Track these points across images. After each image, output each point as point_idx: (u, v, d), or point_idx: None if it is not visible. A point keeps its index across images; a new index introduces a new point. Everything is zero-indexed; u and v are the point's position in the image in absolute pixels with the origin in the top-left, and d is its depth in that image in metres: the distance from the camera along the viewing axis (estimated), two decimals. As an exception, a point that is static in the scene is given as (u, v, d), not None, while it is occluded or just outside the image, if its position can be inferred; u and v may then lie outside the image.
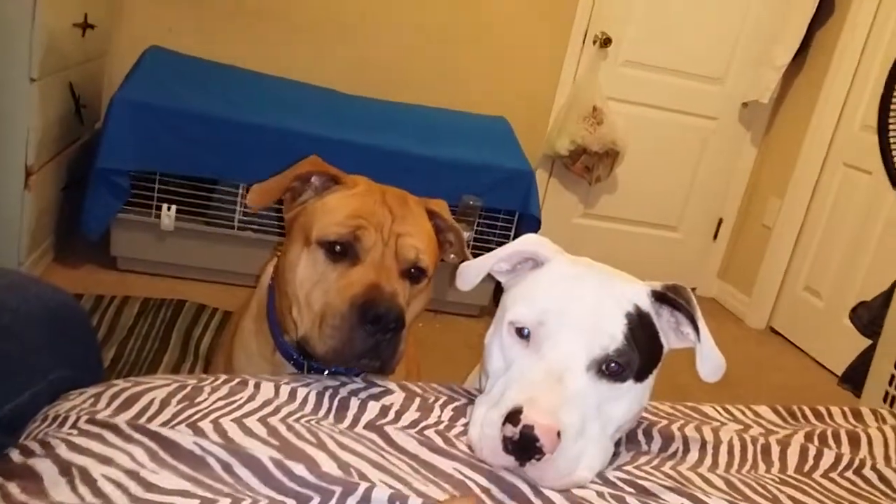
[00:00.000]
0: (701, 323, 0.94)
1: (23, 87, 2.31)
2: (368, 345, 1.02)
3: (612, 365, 0.89)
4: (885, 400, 2.25)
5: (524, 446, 0.82)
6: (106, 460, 0.78)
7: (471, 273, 1.05)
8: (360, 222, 1.10)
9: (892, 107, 1.67)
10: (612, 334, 0.89)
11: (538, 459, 0.81)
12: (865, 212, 3.33)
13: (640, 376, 0.91)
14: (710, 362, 0.95)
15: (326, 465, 0.80)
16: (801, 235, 3.71)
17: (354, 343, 1.02)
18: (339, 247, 1.09)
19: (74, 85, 2.74)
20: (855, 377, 2.45)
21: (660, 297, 0.96)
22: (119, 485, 0.76)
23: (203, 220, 2.88)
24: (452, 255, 1.29)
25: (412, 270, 1.13)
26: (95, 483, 0.75)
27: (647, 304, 0.95)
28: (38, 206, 2.51)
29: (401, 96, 3.44)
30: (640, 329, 0.92)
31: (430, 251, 1.16)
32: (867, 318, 2.42)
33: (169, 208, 2.77)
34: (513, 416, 0.83)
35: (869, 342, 2.45)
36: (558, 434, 0.82)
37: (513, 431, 0.82)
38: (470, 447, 0.89)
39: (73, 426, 0.84)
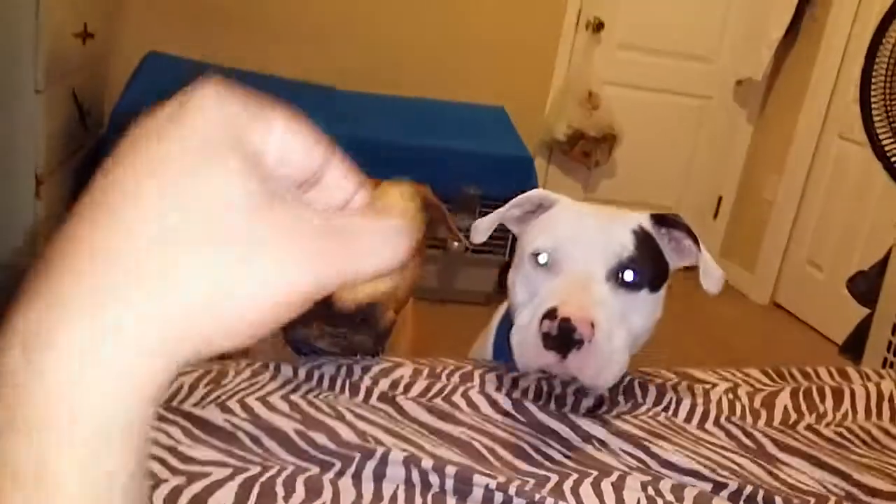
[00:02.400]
0: (699, 240, 1.06)
1: (29, 99, 2.38)
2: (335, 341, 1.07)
3: (628, 272, 0.98)
4: (884, 366, 2.31)
5: (564, 338, 0.90)
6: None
7: (483, 226, 1.15)
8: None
9: (874, 82, 1.73)
10: (623, 244, 0.99)
11: (578, 349, 0.90)
12: (861, 183, 3.38)
13: (653, 286, 1.01)
14: (711, 275, 1.05)
15: (345, 434, 0.88)
16: (800, 210, 3.76)
17: (324, 339, 1.07)
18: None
19: (77, 93, 2.81)
20: (854, 346, 2.51)
21: (659, 220, 1.08)
22: (160, 459, 0.83)
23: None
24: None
25: None
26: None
27: (648, 226, 1.06)
28: (49, 213, 2.59)
29: (398, 90, 3.50)
30: (646, 245, 1.02)
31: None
32: (864, 287, 2.48)
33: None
34: (550, 314, 0.91)
35: (867, 311, 2.51)
36: (592, 326, 0.90)
37: (550, 326, 0.90)
38: (514, 358, 0.98)
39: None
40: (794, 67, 3.84)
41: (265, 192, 0.29)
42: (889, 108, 1.73)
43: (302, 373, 1.03)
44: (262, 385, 0.99)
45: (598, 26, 3.77)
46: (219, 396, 0.96)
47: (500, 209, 1.13)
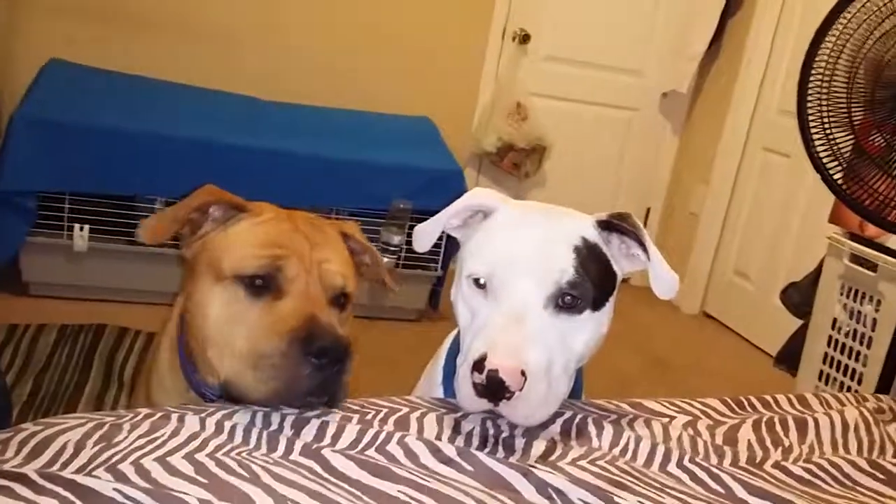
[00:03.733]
0: (649, 244, 1.00)
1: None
2: (316, 381, 0.93)
3: (567, 297, 0.94)
4: (819, 378, 2.29)
5: (493, 390, 0.88)
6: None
7: (425, 235, 1.10)
8: (280, 251, 1.01)
9: (810, 92, 1.70)
10: (562, 268, 0.94)
11: (509, 398, 0.88)
12: (787, 194, 3.41)
13: (596, 305, 0.97)
14: (663, 280, 1.00)
15: (261, 502, 0.74)
16: (727, 221, 3.79)
17: (301, 381, 0.93)
18: (259, 280, 1.00)
19: (-29, 103, 2.58)
20: (789, 358, 2.49)
21: (606, 226, 1.02)
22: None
23: (120, 238, 2.74)
24: (370, 274, 1.24)
25: (339, 298, 1.06)
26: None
27: (594, 235, 1.00)
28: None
29: (319, 100, 3.36)
30: (590, 260, 0.97)
31: (351, 276, 1.10)
32: (797, 298, 2.47)
33: (81, 228, 2.63)
34: (478, 364, 0.89)
35: (801, 322, 2.50)
36: (523, 373, 0.88)
37: (480, 378, 0.88)
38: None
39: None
40: (717, 80, 3.88)
41: None
42: (824, 121, 1.70)
43: (210, 424, 0.88)
44: (162, 441, 0.84)
45: (525, 38, 3.72)
46: (109, 458, 0.80)
47: (440, 216, 1.07)
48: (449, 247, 3.02)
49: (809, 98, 1.67)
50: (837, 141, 1.69)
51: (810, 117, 1.69)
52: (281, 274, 1.00)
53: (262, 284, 0.99)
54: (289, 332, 0.94)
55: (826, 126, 1.75)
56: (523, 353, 0.89)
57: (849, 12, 1.66)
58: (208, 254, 1.06)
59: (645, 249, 1.00)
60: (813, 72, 1.68)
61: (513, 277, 0.94)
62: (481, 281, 0.97)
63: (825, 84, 1.73)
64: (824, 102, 1.67)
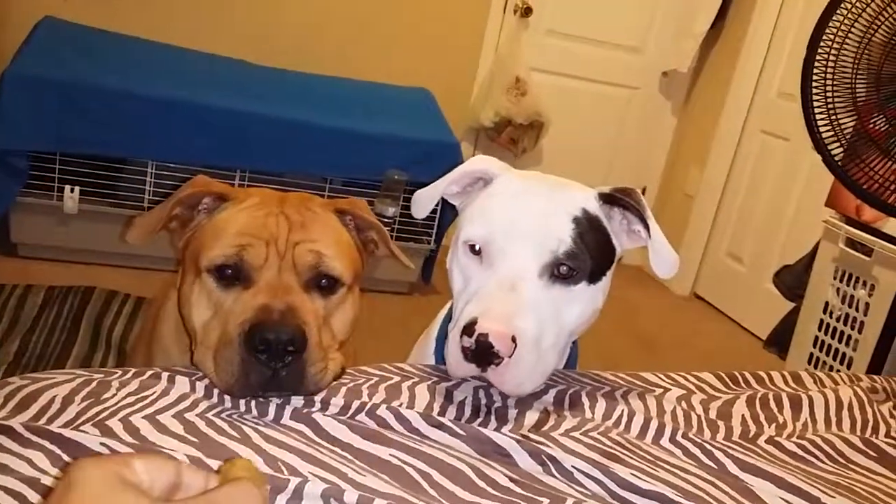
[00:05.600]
0: (651, 220, 0.98)
1: None
2: (266, 376, 0.87)
3: (563, 268, 0.92)
4: (809, 362, 2.30)
5: (481, 353, 0.86)
6: (1, 468, 0.69)
7: (424, 200, 1.07)
8: (245, 240, 0.96)
9: (816, 68, 1.67)
10: (560, 237, 0.92)
11: (497, 364, 0.86)
12: (783, 178, 3.40)
13: (593, 277, 0.95)
14: (663, 258, 0.99)
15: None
16: (721, 203, 3.78)
17: (249, 375, 0.87)
18: (229, 270, 0.96)
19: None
20: (779, 340, 2.50)
21: (608, 199, 0.99)
22: (17, 494, 0.67)
23: (111, 201, 2.71)
24: (381, 251, 1.17)
25: (322, 281, 0.98)
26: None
27: (595, 208, 0.98)
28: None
29: (317, 68, 3.31)
30: (590, 232, 0.95)
31: (341, 255, 1.01)
32: (790, 281, 2.47)
33: (72, 190, 2.60)
34: (468, 328, 0.87)
35: (792, 305, 2.50)
36: (514, 339, 0.86)
37: (469, 341, 0.86)
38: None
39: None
40: (718, 61, 3.85)
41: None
42: (828, 98, 1.68)
43: (200, 387, 0.87)
44: (151, 400, 0.82)
45: (527, 11, 3.67)
46: (97, 414, 0.79)
47: (440, 182, 1.05)
48: (443, 220, 3.00)
49: (816, 74, 1.65)
50: (840, 119, 1.67)
51: (814, 94, 1.67)
52: (246, 263, 0.96)
53: (233, 275, 0.96)
54: (240, 324, 0.90)
55: (830, 104, 1.73)
56: (515, 320, 0.87)
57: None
58: (192, 246, 1.04)
59: (647, 226, 0.98)
60: (821, 46, 1.65)
61: (509, 245, 0.93)
62: (477, 247, 0.95)
63: (832, 59, 1.70)
64: (829, 79, 1.65)
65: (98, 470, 0.46)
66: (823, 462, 0.92)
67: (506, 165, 1.05)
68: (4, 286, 2.42)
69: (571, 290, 0.93)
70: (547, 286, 0.92)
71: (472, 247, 0.96)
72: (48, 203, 2.62)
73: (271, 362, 0.87)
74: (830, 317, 2.25)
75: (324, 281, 0.99)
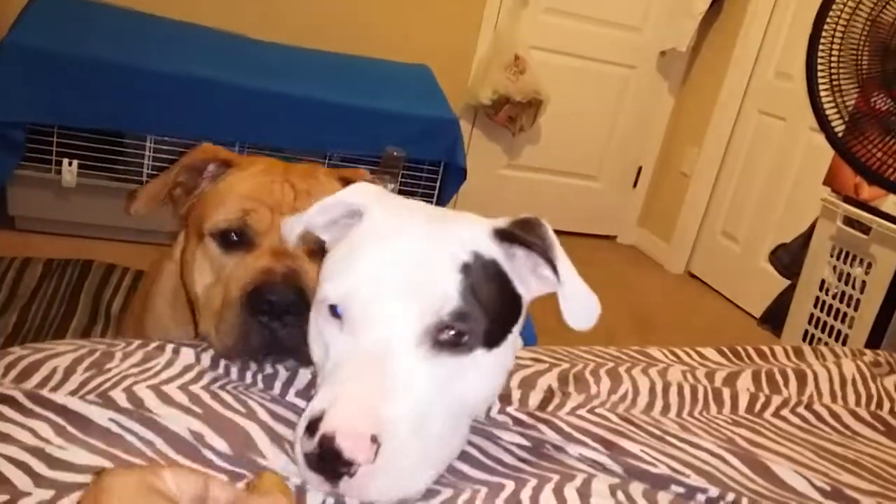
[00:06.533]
0: (560, 261, 0.75)
1: None
2: (266, 337, 0.87)
3: (450, 332, 0.70)
4: (804, 339, 2.31)
5: (327, 462, 0.64)
6: (3, 437, 0.69)
7: (287, 229, 0.86)
8: (250, 204, 0.97)
9: (821, 45, 1.67)
10: (445, 292, 0.70)
11: (352, 475, 0.64)
12: (779, 158, 3.40)
13: (491, 340, 0.73)
14: (577, 306, 0.75)
15: (257, 436, 0.73)
16: (717, 182, 3.78)
17: (249, 337, 0.87)
18: (234, 235, 0.96)
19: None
20: (774, 318, 2.51)
21: (506, 237, 0.77)
22: (21, 464, 0.67)
23: (109, 175, 2.69)
24: None
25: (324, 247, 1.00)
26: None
27: (491, 249, 0.76)
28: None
29: (317, 43, 3.28)
30: (485, 282, 0.73)
31: None
32: (787, 259, 2.48)
33: (70, 163, 2.58)
34: (311, 426, 0.65)
35: (787, 283, 2.51)
36: (374, 438, 0.64)
37: (310, 445, 0.65)
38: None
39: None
40: (716, 41, 3.83)
41: None
42: (832, 70, 1.68)
43: (206, 359, 0.87)
44: (155, 371, 0.82)
45: (526, -13, 3.65)
46: (100, 384, 0.79)
47: (309, 211, 0.83)
48: (443, 192, 3.00)
49: (822, 46, 1.63)
50: (844, 94, 1.66)
51: (819, 67, 1.66)
52: (250, 227, 0.96)
53: (238, 240, 0.96)
54: (242, 286, 0.90)
55: (834, 77, 1.72)
56: (380, 409, 0.65)
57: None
58: (196, 212, 1.04)
59: (555, 269, 0.76)
60: (828, 18, 1.64)
61: (376, 305, 0.70)
62: (338, 309, 0.73)
63: (840, 31, 1.68)
64: (835, 51, 1.64)
65: (129, 477, 0.48)
66: (829, 434, 0.93)
67: (382, 194, 0.83)
68: (3, 259, 2.41)
69: (462, 360, 0.71)
70: (428, 357, 0.70)
71: (331, 307, 0.73)
72: (46, 176, 2.60)
73: (273, 323, 0.87)
74: (826, 294, 2.26)
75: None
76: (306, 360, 0.86)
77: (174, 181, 1.06)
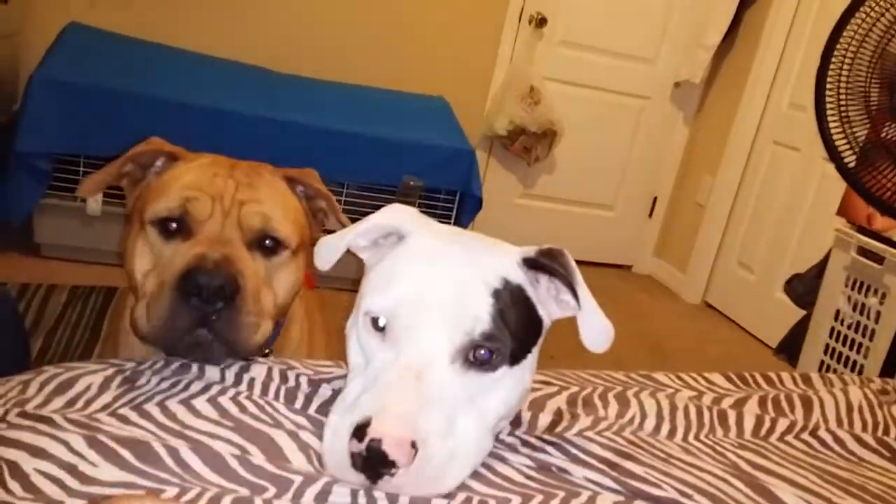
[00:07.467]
0: (580, 287, 0.84)
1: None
2: (192, 319, 0.90)
3: (481, 351, 0.79)
4: (820, 369, 2.31)
5: (373, 463, 0.72)
6: (38, 452, 0.72)
7: (327, 250, 0.92)
8: (191, 193, 0.99)
9: (829, 79, 1.70)
10: (477, 316, 0.79)
11: (393, 475, 0.72)
12: (794, 188, 3.42)
13: (515, 359, 0.81)
14: (594, 330, 0.84)
15: (284, 444, 0.76)
16: (733, 212, 3.80)
17: (176, 321, 0.90)
18: (173, 224, 0.98)
19: (-11, 62, 2.59)
20: (790, 348, 2.51)
21: (532, 265, 0.86)
22: (55, 479, 0.70)
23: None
24: (331, 221, 1.19)
25: (266, 241, 1.01)
26: (28, 478, 0.69)
27: (518, 276, 0.84)
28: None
29: (336, 75, 3.36)
30: (512, 307, 0.81)
31: (288, 220, 1.04)
32: (802, 289, 2.49)
33: (96, 192, 2.65)
34: (359, 431, 0.73)
35: (803, 313, 2.52)
36: (414, 444, 0.72)
37: (359, 447, 0.73)
38: (319, 457, 0.79)
39: (1, 419, 0.78)
40: (731, 72, 3.87)
41: None
42: (841, 103, 1.71)
43: (230, 375, 0.90)
44: (185, 385, 0.86)
45: (541, 22, 3.72)
46: (133, 399, 0.83)
47: (347, 233, 0.90)
48: (460, 218, 3.03)
49: (829, 82, 1.67)
50: (853, 127, 1.69)
51: (828, 102, 1.70)
52: (190, 216, 0.98)
53: (176, 228, 0.99)
54: (175, 271, 0.92)
55: (843, 111, 1.75)
56: (420, 419, 0.74)
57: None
58: (139, 202, 1.07)
59: (576, 295, 0.84)
60: (835, 54, 1.67)
61: (417, 323, 0.79)
62: (380, 322, 0.81)
63: (846, 67, 1.72)
64: (843, 85, 1.67)
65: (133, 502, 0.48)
66: (835, 459, 0.94)
67: (422, 220, 0.90)
68: (28, 285, 2.47)
69: (489, 377, 0.80)
70: (460, 373, 0.78)
71: (374, 320, 0.82)
72: (72, 205, 2.67)
73: (205, 306, 0.90)
74: (841, 324, 2.27)
75: (268, 241, 1.02)
76: (239, 351, 0.92)
77: (119, 172, 1.09)
